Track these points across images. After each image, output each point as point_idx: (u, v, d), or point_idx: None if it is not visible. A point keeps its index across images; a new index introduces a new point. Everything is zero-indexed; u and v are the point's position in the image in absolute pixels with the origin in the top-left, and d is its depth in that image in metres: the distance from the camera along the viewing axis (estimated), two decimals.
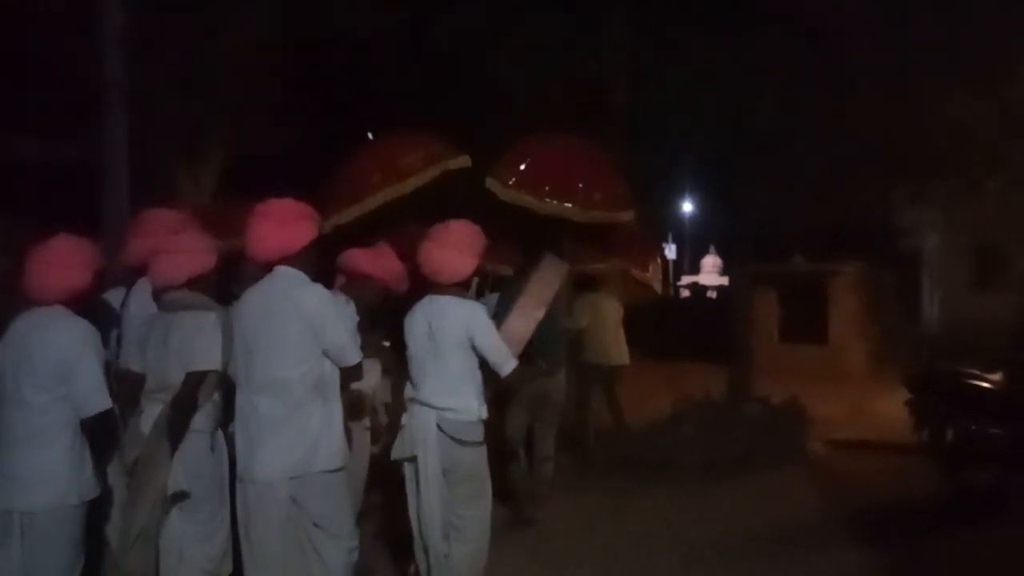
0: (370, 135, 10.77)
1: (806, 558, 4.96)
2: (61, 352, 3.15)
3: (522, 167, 5.60)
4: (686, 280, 33.17)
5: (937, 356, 8.40)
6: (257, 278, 3.52)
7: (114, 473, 3.45)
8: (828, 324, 13.45)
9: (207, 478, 3.36)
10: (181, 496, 3.26)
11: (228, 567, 3.49)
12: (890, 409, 8.48)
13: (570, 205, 5.63)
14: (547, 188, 5.51)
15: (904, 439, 7.34)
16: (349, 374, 3.40)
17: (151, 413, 3.31)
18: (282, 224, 3.34)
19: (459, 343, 3.61)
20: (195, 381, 3.28)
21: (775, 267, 13.12)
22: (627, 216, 5.81)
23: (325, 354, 3.29)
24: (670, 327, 14.12)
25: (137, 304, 3.63)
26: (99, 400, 3.19)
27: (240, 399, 3.30)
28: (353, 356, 3.38)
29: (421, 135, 5.79)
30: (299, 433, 3.21)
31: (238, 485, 3.31)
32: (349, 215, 5.30)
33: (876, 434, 8.16)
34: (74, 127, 9.92)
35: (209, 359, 3.30)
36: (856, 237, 13.01)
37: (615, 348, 7.16)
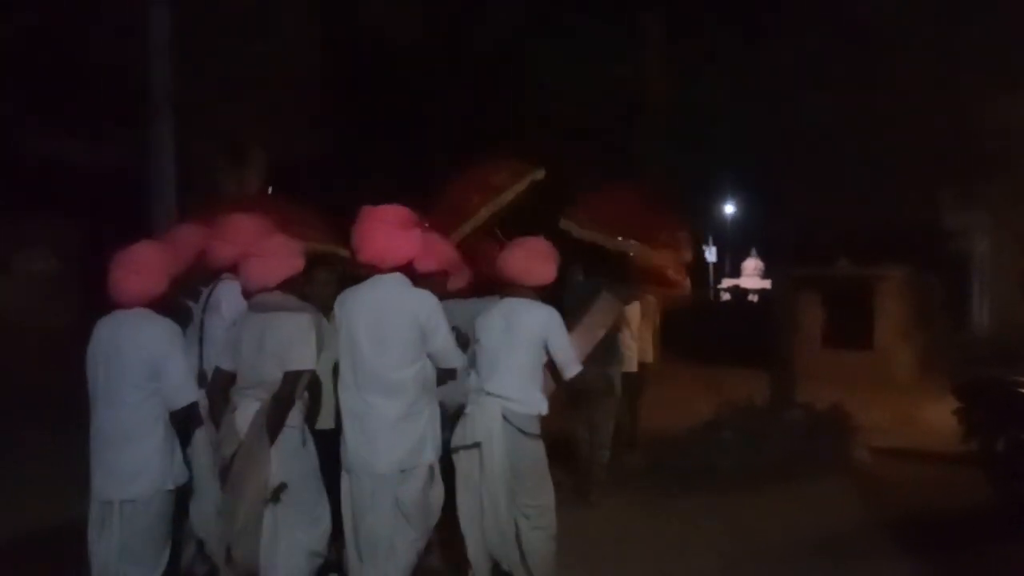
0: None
1: (848, 570, 4.86)
2: (152, 351, 3.40)
3: (594, 209, 6.01)
4: (727, 283, 32.81)
5: (987, 364, 8.18)
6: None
7: (199, 462, 3.71)
8: (873, 329, 13.16)
9: (303, 469, 3.53)
10: (281, 488, 3.43)
11: (331, 553, 3.70)
12: (937, 417, 8.30)
13: (636, 243, 5.95)
14: (618, 228, 5.89)
15: (952, 448, 7.17)
16: (446, 376, 3.70)
17: (245, 409, 3.46)
18: (396, 230, 3.58)
19: (533, 341, 3.84)
20: (293, 380, 3.44)
21: (819, 270, 12.89)
22: (687, 256, 6.18)
23: (429, 356, 3.56)
24: (710, 331, 13.98)
25: (227, 304, 3.80)
26: (187, 393, 3.48)
27: (349, 397, 3.53)
28: (455, 359, 3.71)
29: (499, 158, 6.12)
30: (412, 429, 3.50)
31: (348, 477, 3.55)
32: (459, 235, 5.55)
33: (923, 443, 7.98)
34: (121, 131, 10.15)
35: (305, 359, 3.46)
36: (903, 240, 12.75)
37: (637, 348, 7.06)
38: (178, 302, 3.86)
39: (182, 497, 3.67)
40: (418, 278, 3.77)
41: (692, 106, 9.75)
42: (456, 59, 13.15)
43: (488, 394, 3.80)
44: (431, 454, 3.59)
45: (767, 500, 6.24)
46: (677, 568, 4.86)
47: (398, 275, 3.60)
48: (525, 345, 3.84)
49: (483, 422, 3.77)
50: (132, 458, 3.37)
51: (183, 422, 3.52)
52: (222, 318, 3.78)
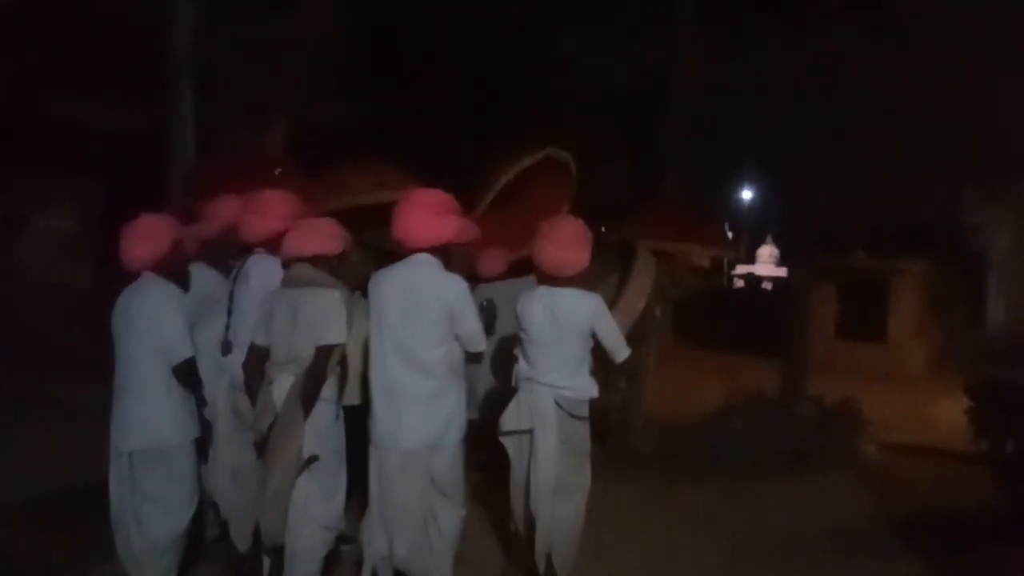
0: None
1: (851, 563, 4.89)
2: (149, 308, 3.62)
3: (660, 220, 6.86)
4: (741, 270, 32.58)
5: (1001, 363, 8.14)
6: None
7: (218, 430, 3.91)
8: (888, 323, 13.13)
9: (332, 443, 3.65)
10: (313, 460, 3.54)
11: (343, 525, 3.84)
12: (948, 414, 8.28)
13: (695, 245, 6.92)
14: (679, 234, 6.81)
15: (961, 447, 7.17)
16: (472, 359, 3.82)
17: (281, 383, 3.57)
18: (435, 215, 3.68)
19: (581, 331, 3.96)
20: (325, 354, 3.54)
21: (835, 261, 12.82)
22: (731, 254, 6.79)
23: (456, 339, 3.67)
24: (723, 318, 13.95)
25: (256, 276, 3.90)
26: (182, 349, 3.65)
27: (380, 374, 3.63)
28: (481, 343, 3.79)
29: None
30: (440, 407, 3.62)
31: (376, 452, 3.66)
32: (482, 206, 5.80)
33: (932, 440, 7.97)
34: (144, 95, 10.18)
35: (337, 334, 3.56)
36: (922, 235, 12.68)
37: None
38: (185, 270, 4.03)
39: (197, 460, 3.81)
40: (450, 260, 3.85)
41: (716, 92, 9.67)
42: (483, 39, 13.08)
43: (540, 383, 3.94)
44: (457, 433, 3.71)
45: (775, 492, 6.27)
46: (686, 553, 4.90)
47: (431, 257, 3.68)
48: (574, 335, 3.96)
49: (537, 409, 3.92)
50: (138, 411, 3.60)
51: (184, 375, 3.69)
52: (250, 289, 3.87)
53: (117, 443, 3.63)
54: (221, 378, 3.93)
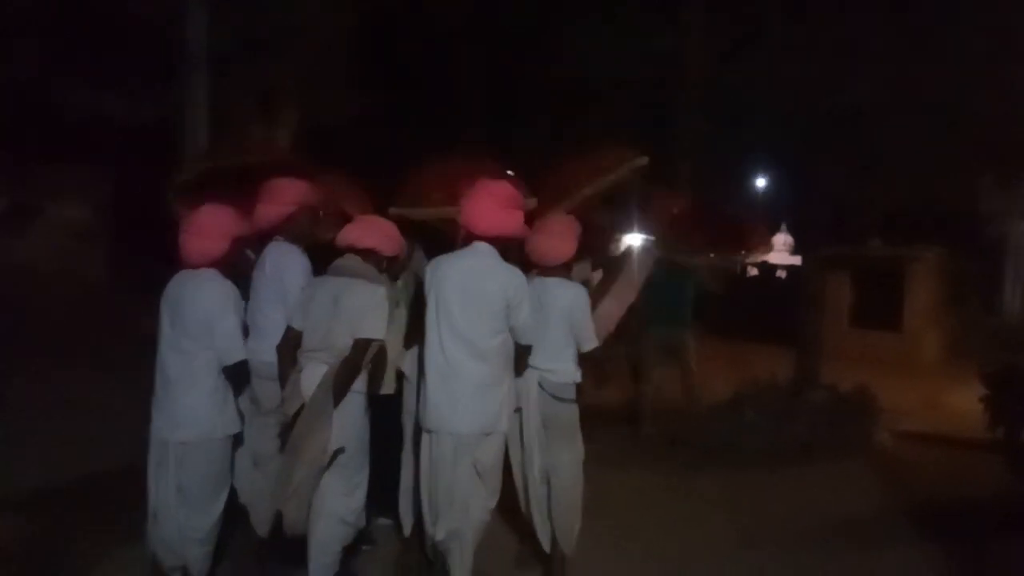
0: None
1: (865, 552, 4.87)
2: (206, 310, 3.62)
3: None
4: (754, 259, 32.37)
5: (1017, 351, 8.06)
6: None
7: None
8: (903, 311, 13.02)
9: (359, 436, 3.70)
10: (340, 452, 3.56)
11: (363, 521, 3.88)
12: (963, 403, 8.23)
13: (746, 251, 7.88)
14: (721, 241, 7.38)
15: (977, 435, 7.13)
16: (523, 352, 3.87)
17: (312, 371, 3.59)
18: (505, 207, 3.78)
19: (563, 318, 4.07)
20: (363, 348, 3.58)
21: (850, 250, 12.73)
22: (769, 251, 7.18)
23: (510, 329, 3.74)
24: (736, 306, 13.87)
25: (272, 266, 3.92)
26: (237, 352, 3.68)
27: (438, 359, 3.67)
28: (532, 337, 3.85)
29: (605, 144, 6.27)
30: (494, 396, 3.70)
31: (429, 437, 3.72)
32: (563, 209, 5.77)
33: (947, 428, 7.92)
34: (157, 85, 10.20)
35: (377, 329, 3.62)
36: (938, 222, 12.54)
37: None
38: (243, 256, 4.05)
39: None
40: (509, 252, 3.93)
41: (729, 78, 9.58)
42: (494, 27, 13.02)
43: (527, 366, 4.02)
44: (506, 422, 3.79)
45: (788, 480, 6.25)
46: (695, 541, 4.90)
47: (492, 248, 3.77)
48: (556, 321, 4.06)
49: (523, 390, 4.02)
50: (186, 403, 3.61)
51: (234, 377, 3.73)
52: (266, 276, 3.92)
53: (161, 432, 3.65)
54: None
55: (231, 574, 4.09)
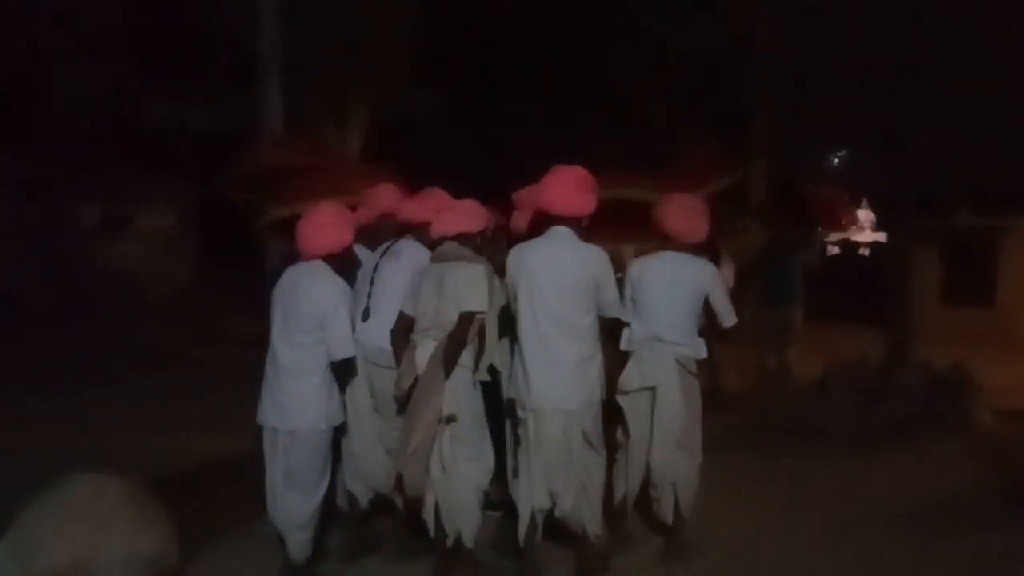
0: None
1: (963, 535, 4.64)
2: (321, 305, 3.77)
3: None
4: (835, 236, 31.44)
5: None
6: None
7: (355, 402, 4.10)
8: (996, 285, 12.48)
9: (470, 406, 3.91)
10: (451, 419, 3.81)
11: (490, 489, 4.07)
12: None
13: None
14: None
15: None
16: (610, 324, 4.05)
17: (424, 347, 3.84)
18: (584, 190, 3.90)
19: (698, 294, 4.21)
20: (467, 321, 3.81)
21: (938, 222, 12.23)
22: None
23: (599, 306, 3.89)
24: (820, 286, 13.50)
25: (408, 258, 4.15)
26: (345, 348, 3.84)
27: (535, 343, 3.80)
28: (617, 310, 4.02)
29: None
30: (592, 369, 3.85)
31: (536, 417, 3.81)
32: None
33: None
34: (235, 94, 10.51)
35: (479, 302, 3.82)
36: None
37: None
38: (353, 254, 4.26)
39: (337, 438, 4.06)
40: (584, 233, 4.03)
41: (804, 46, 9.25)
42: (555, 12, 12.95)
43: (661, 341, 4.16)
44: (602, 391, 3.95)
45: (881, 463, 6.06)
46: (784, 526, 4.78)
47: (569, 230, 3.89)
48: (691, 297, 4.20)
49: (660, 367, 4.15)
50: (295, 393, 3.77)
51: (341, 371, 3.90)
52: (400, 265, 4.12)
53: (271, 420, 3.83)
54: (357, 353, 4.05)
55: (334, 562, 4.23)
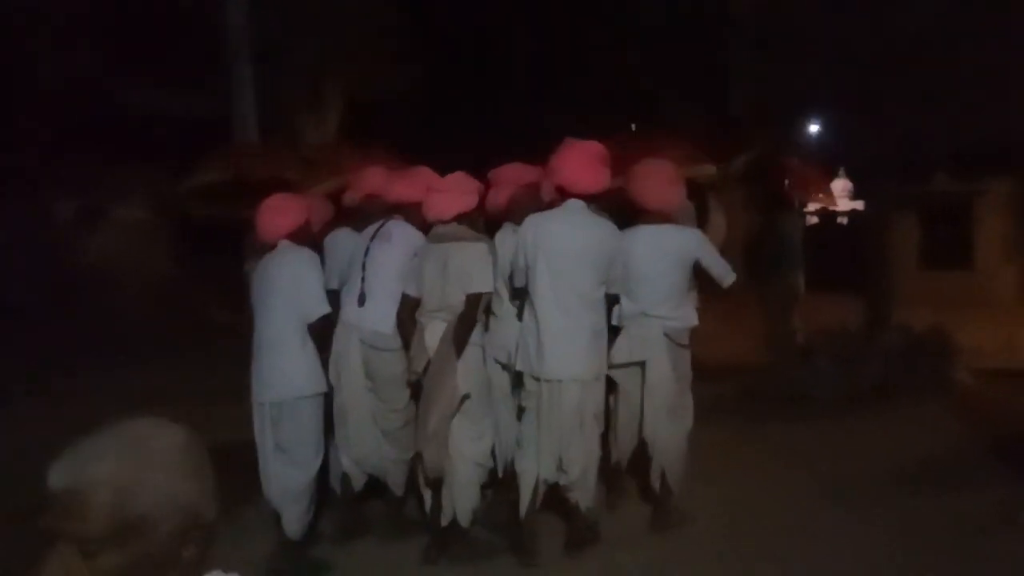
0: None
1: (951, 493, 4.73)
2: (290, 270, 3.89)
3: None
4: (813, 206, 31.62)
5: None
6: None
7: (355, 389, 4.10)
8: (974, 248, 12.59)
9: (480, 384, 3.96)
10: (466, 399, 3.85)
11: (491, 463, 4.14)
12: None
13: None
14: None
15: None
16: (612, 301, 4.04)
17: (433, 329, 3.86)
18: (600, 164, 3.90)
19: (685, 262, 4.18)
20: (475, 301, 3.83)
21: (915, 188, 12.30)
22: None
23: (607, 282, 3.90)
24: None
25: (399, 239, 4.15)
26: (319, 305, 3.91)
27: (551, 314, 3.80)
28: (620, 287, 4.02)
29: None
30: (601, 341, 3.92)
31: (547, 387, 3.81)
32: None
33: None
34: (209, 80, 10.35)
35: (485, 282, 3.86)
36: (1006, 153, 12.01)
37: None
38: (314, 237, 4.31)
39: (331, 420, 4.10)
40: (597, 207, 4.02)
41: (780, 13, 9.25)
42: None
43: (648, 315, 4.15)
44: (605, 365, 4.01)
45: (866, 425, 6.13)
46: (775, 492, 4.84)
47: (583, 204, 3.90)
48: (677, 266, 4.18)
49: (648, 341, 4.14)
50: (276, 363, 3.85)
51: (319, 332, 3.94)
52: (392, 247, 4.12)
53: (257, 395, 3.89)
54: (351, 336, 4.09)
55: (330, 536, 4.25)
